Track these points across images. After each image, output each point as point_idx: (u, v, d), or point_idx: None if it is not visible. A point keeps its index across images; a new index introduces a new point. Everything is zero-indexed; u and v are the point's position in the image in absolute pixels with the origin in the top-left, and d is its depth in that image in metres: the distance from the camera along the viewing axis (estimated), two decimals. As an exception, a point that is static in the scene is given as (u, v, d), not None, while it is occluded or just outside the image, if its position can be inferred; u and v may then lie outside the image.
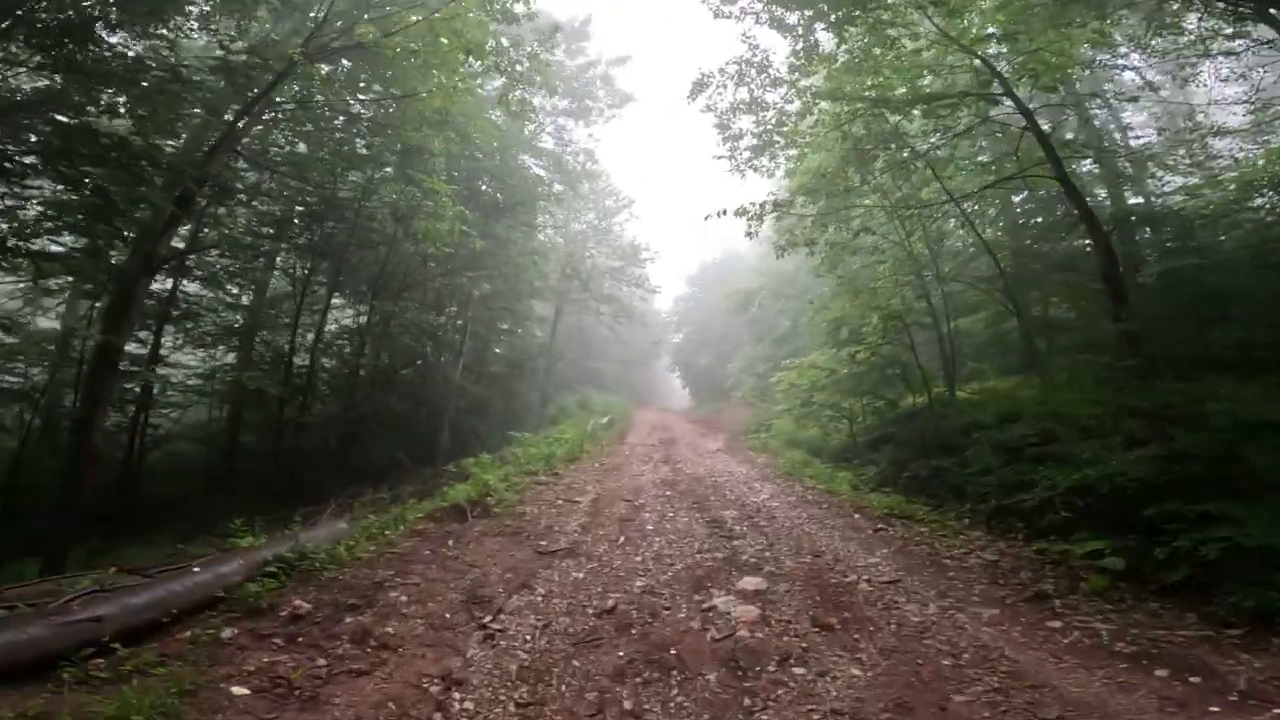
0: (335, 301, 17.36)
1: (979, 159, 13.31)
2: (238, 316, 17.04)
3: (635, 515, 8.37)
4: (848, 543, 7.26)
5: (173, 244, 11.85)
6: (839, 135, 11.78)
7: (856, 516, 8.61)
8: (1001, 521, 7.58)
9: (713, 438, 20.86)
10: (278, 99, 11.81)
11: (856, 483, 11.07)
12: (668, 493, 9.94)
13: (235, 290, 16.85)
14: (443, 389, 18.76)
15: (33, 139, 9.23)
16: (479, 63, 11.51)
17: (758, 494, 10.25)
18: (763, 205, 11.92)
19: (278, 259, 16.63)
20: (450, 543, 7.13)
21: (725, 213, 11.74)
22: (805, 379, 14.95)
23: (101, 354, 10.22)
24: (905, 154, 11.98)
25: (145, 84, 9.54)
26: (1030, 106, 10.01)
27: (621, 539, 7.32)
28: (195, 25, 11.16)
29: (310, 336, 16.89)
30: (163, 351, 15.98)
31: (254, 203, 14.86)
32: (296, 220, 14.99)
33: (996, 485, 8.14)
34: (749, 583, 5.76)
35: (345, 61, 13.11)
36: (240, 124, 11.23)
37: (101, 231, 10.02)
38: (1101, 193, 13.57)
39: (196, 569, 5.18)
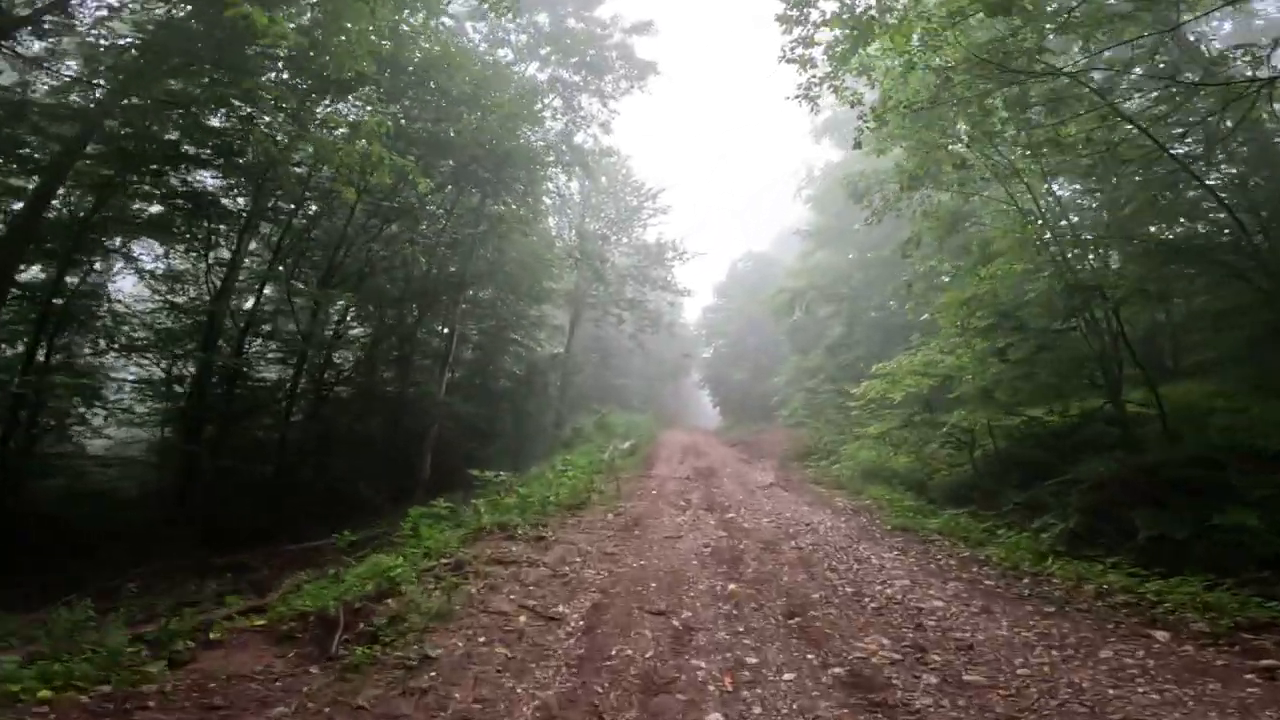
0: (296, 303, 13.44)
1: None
2: (168, 319, 13.16)
3: (677, 661, 3.97)
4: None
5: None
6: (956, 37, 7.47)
7: (1158, 639, 4.16)
8: None
9: (759, 466, 16.38)
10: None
11: (1036, 545, 6.57)
12: (728, 585, 5.58)
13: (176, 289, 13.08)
14: (425, 408, 14.65)
15: None
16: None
17: (887, 576, 5.91)
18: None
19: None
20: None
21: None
22: (902, 388, 10.46)
23: None
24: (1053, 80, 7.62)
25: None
26: None
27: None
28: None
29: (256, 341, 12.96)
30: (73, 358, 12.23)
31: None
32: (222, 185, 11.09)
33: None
34: None
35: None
36: None
37: None
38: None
39: None
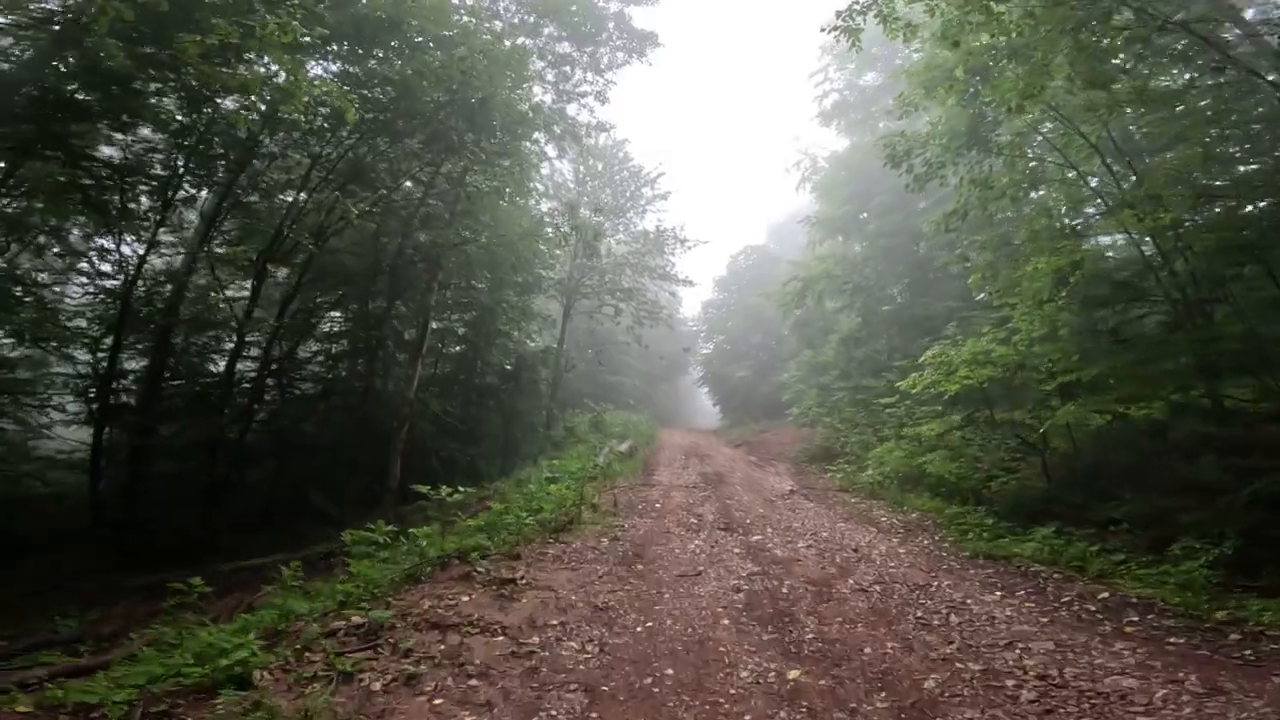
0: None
1: None
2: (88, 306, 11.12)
3: None
4: None
5: None
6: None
7: None
8: None
9: (772, 470, 14.49)
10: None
11: (1189, 578, 4.67)
12: (786, 671, 3.65)
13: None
14: (392, 406, 12.64)
15: None
16: None
17: (1011, 635, 4.05)
18: None
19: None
20: None
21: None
22: (957, 381, 8.54)
23: None
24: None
25: None
26: None
27: None
28: None
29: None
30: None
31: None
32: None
33: None
34: None
35: None
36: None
37: None
38: None
39: None
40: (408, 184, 12.77)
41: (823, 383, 18.57)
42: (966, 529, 7.27)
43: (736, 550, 6.51)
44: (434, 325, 19.57)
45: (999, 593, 5.11)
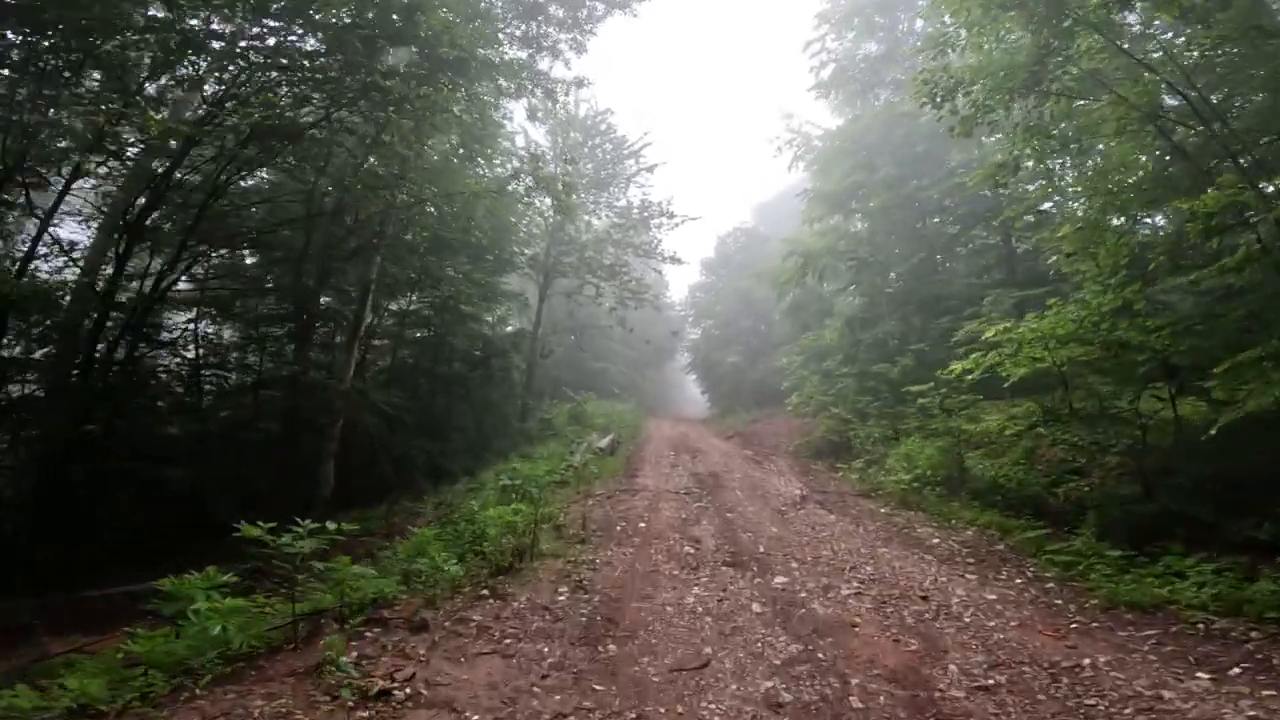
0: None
1: None
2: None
3: None
4: None
5: None
6: None
7: None
8: None
9: (773, 468, 12.42)
10: None
11: None
12: None
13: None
14: (325, 399, 10.35)
15: None
16: None
17: None
18: None
19: None
20: None
21: None
22: (1024, 363, 6.49)
23: None
24: None
25: None
26: None
27: None
28: None
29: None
30: None
31: None
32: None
33: None
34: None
35: None
36: None
37: None
38: None
39: None
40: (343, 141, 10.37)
41: (825, 368, 16.51)
42: (1066, 557, 5.23)
43: (756, 607, 4.40)
44: (394, 306, 17.30)
45: (1205, 674, 3.09)
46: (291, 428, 11.16)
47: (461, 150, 13.08)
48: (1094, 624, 4.08)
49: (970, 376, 7.07)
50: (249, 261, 13.42)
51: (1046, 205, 13.52)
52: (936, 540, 6.43)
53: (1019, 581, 5.00)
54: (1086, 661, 3.48)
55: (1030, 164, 9.17)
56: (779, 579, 5.05)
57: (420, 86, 8.84)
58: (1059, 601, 4.51)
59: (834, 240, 17.31)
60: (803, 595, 4.68)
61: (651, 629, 4.01)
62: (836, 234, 18.05)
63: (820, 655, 3.60)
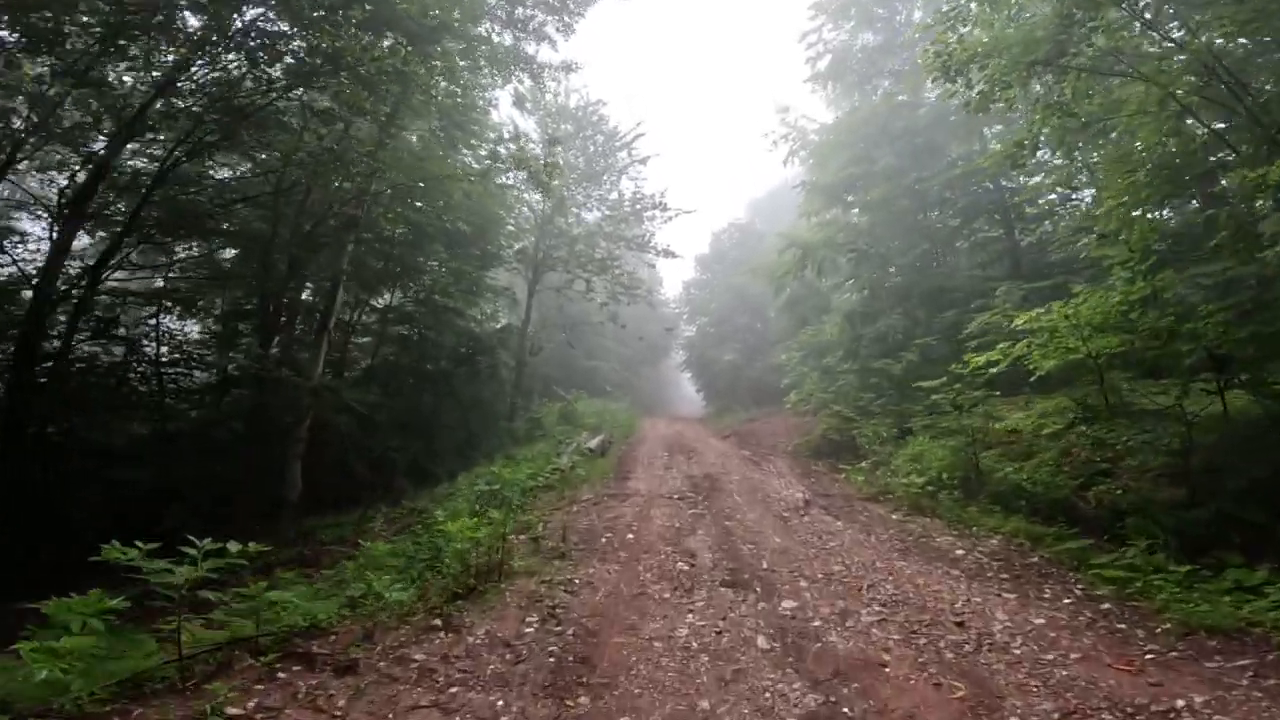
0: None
1: None
2: None
3: None
4: None
5: None
6: None
7: None
8: None
9: (773, 469, 11.71)
10: None
11: None
12: None
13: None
14: (294, 396, 9.56)
15: None
16: None
17: None
18: None
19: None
20: None
21: None
22: (1058, 355, 5.79)
23: None
24: None
25: None
26: None
27: None
28: None
29: None
30: None
31: None
32: None
33: None
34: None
35: None
36: None
37: None
38: None
39: None
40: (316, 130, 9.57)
41: (825, 365, 15.81)
42: (1118, 572, 4.51)
43: (763, 641, 3.66)
44: (377, 302, 16.49)
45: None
46: (257, 427, 10.37)
47: (442, 134, 12.31)
48: (1173, 654, 3.37)
49: (995, 369, 6.36)
50: (221, 257, 12.64)
51: (1058, 193, 12.90)
52: (960, 551, 5.70)
53: (1067, 602, 4.27)
54: (1180, 703, 2.78)
55: (1047, 145, 8.51)
56: (787, 603, 4.31)
57: (388, 58, 8.05)
58: (1122, 626, 3.78)
59: (833, 232, 16.61)
60: (816, 624, 3.94)
61: (635, 673, 3.26)
62: (835, 226, 17.35)
63: (847, 710, 2.86)
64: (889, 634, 3.81)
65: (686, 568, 5.09)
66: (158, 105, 8.16)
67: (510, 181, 13.56)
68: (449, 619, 3.88)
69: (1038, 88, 8.11)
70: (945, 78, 8.05)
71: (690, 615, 4.08)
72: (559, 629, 3.81)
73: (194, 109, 8.09)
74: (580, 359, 25.14)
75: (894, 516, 7.36)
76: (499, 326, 17.16)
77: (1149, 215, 6.62)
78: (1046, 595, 4.47)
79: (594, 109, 22.97)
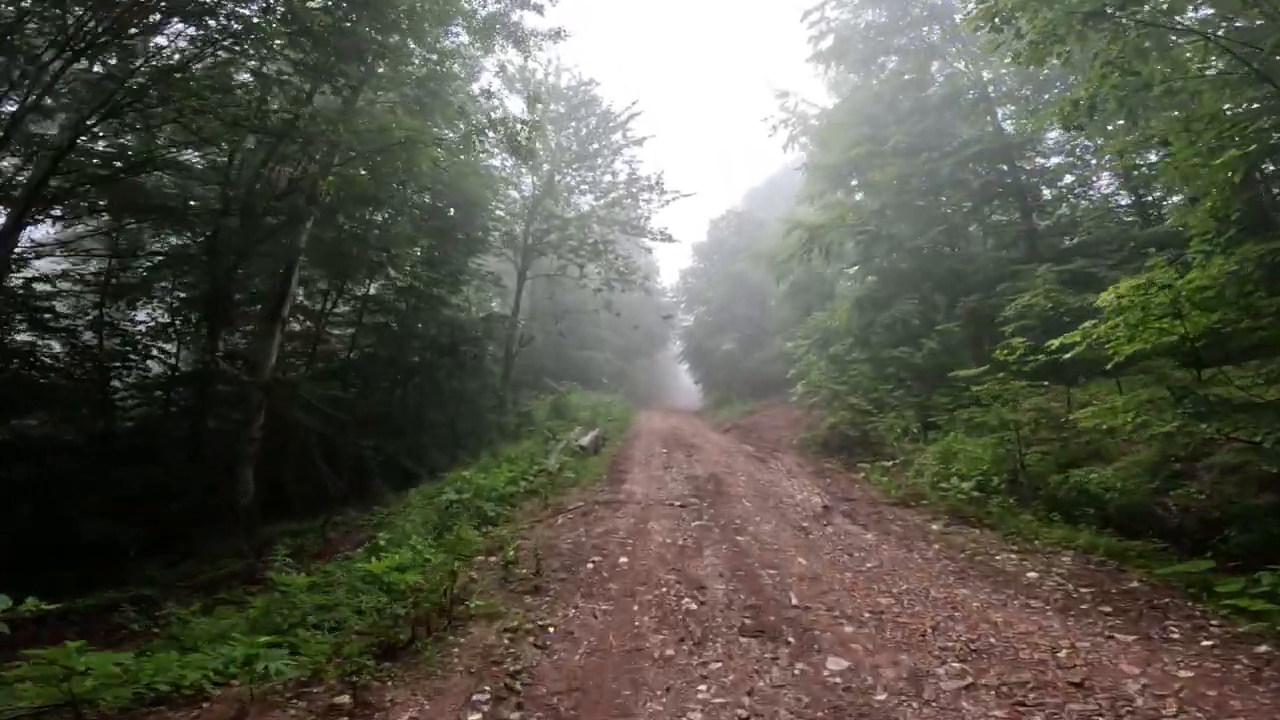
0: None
1: None
2: None
3: None
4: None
5: None
6: None
7: None
8: None
9: (781, 467, 10.60)
10: None
11: None
12: None
13: None
14: (239, 395, 8.36)
15: None
16: None
17: None
18: None
19: None
20: None
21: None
22: (1148, 336, 4.64)
23: None
24: None
25: None
26: None
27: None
28: None
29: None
30: None
31: None
32: None
33: None
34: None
35: None
36: None
37: None
38: None
39: None
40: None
41: (833, 353, 14.69)
42: (1266, 604, 3.38)
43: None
44: (358, 291, 15.27)
45: None
46: (203, 427, 9.18)
47: (417, 107, 11.06)
48: None
49: (1071, 354, 5.22)
50: (173, 242, 11.40)
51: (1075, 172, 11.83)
52: (1033, 574, 4.58)
53: (1208, 644, 3.16)
54: None
55: (1102, 106, 7.38)
56: (833, 661, 3.18)
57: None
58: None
59: (841, 214, 15.43)
60: (881, 697, 2.81)
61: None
62: (843, 208, 16.18)
63: None
64: (987, 709, 2.69)
65: (694, 606, 3.96)
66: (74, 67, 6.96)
67: (496, 163, 12.30)
68: (361, 694, 2.74)
69: (1096, 40, 7.03)
70: (992, 28, 6.99)
71: (704, 687, 2.94)
72: (518, 715, 2.67)
73: (115, 74, 6.87)
74: (573, 349, 23.98)
75: (934, 527, 6.24)
76: (484, 315, 15.92)
77: (1234, 179, 5.50)
78: (1175, 636, 3.35)
79: (586, 89, 21.69)
